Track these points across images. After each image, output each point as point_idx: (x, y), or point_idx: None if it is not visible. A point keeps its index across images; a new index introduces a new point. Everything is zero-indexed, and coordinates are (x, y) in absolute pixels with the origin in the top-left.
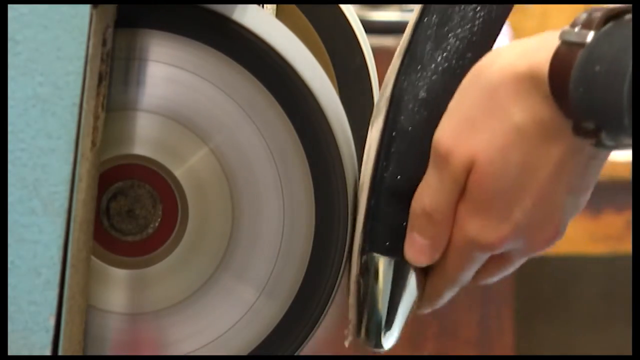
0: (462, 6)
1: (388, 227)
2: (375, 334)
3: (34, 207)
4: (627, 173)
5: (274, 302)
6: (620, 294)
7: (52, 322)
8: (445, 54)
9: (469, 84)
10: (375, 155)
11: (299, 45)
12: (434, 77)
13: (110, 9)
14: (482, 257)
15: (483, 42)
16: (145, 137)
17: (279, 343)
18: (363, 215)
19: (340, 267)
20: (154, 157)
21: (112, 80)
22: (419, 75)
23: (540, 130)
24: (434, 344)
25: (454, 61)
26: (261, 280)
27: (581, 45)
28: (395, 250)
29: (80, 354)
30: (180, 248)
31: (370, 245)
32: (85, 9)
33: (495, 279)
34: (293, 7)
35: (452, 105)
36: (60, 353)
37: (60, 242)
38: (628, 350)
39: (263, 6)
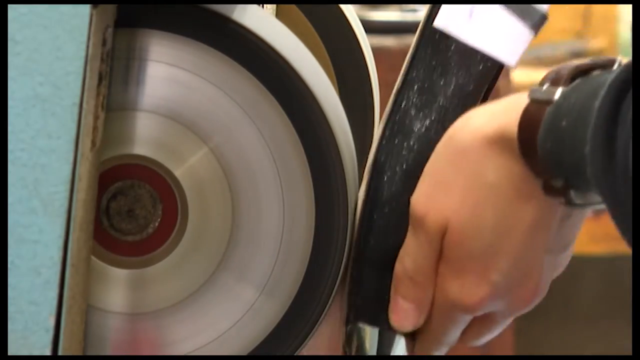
0: (443, 76)
1: (371, 298)
2: None
3: (34, 207)
4: None
5: (274, 302)
6: (620, 294)
7: (52, 322)
8: (428, 122)
9: (441, 148)
10: (358, 227)
11: (299, 45)
12: (415, 146)
13: (110, 9)
14: (465, 318)
15: (461, 110)
16: (145, 137)
17: (279, 343)
18: (347, 287)
19: (340, 267)
20: (154, 157)
21: (112, 80)
22: (402, 143)
23: (512, 189)
24: None
25: (433, 130)
26: (261, 280)
27: (549, 102)
28: (379, 320)
29: (80, 354)
30: (180, 248)
31: (355, 315)
32: (85, 9)
33: (482, 340)
34: (293, 7)
35: (427, 169)
36: (60, 353)
37: (60, 242)
38: (628, 350)
39: (263, 6)
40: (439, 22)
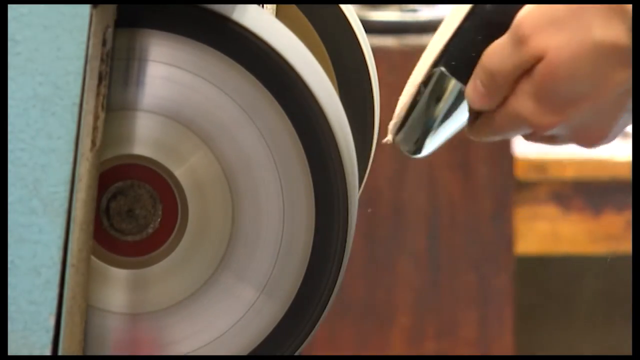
0: None
1: (467, 53)
2: (418, 141)
3: (34, 207)
4: (627, 173)
5: (274, 302)
6: (620, 294)
7: (52, 322)
8: None
9: None
10: None
11: (299, 45)
12: None
13: (110, 9)
14: (526, 130)
15: None
16: (145, 137)
17: (279, 343)
18: (452, 32)
19: (341, 267)
20: (154, 157)
21: (112, 80)
22: None
23: (615, 54)
24: (434, 344)
25: None
26: (261, 280)
27: None
28: (462, 76)
29: (80, 354)
30: (180, 248)
31: (445, 61)
32: (85, 9)
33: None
34: (293, 7)
35: None
36: (60, 353)
37: (60, 242)
38: (628, 350)
39: (263, 6)
40: None
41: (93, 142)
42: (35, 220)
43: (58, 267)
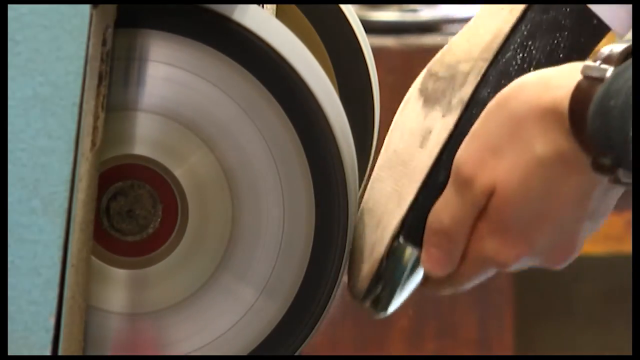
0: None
1: (421, 220)
2: (384, 304)
3: (34, 207)
4: None
5: (274, 302)
6: (620, 294)
7: (52, 322)
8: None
9: (494, 111)
10: (437, 152)
11: (299, 46)
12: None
13: (110, 9)
14: (493, 271)
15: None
16: (145, 137)
17: (279, 343)
18: (408, 206)
19: (341, 267)
20: (154, 157)
21: (112, 80)
22: (502, 81)
23: (561, 163)
24: (434, 344)
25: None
26: (261, 280)
27: (601, 80)
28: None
29: (80, 354)
30: (180, 248)
31: (406, 234)
32: (85, 9)
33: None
34: (293, 7)
35: (476, 129)
36: (60, 353)
37: (60, 242)
38: (628, 350)
39: (263, 6)
40: None
41: (93, 142)
42: (35, 220)
43: (58, 267)
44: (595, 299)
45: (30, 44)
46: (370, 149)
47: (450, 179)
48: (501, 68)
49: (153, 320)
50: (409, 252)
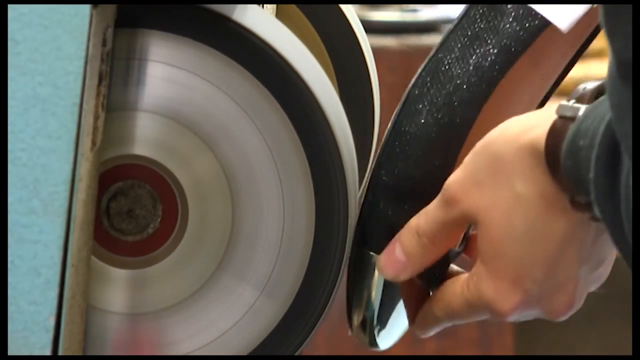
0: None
1: (382, 226)
2: (368, 330)
3: (34, 207)
4: None
5: (274, 302)
6: (620, 293)
7: (52, 322)
8: (462, 72)
9: (479, 151)
10: (379, 152)
11: (299, 45)
12: (450, 89)
13: (110, 9)
14: (484, 316)
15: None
16: (145, 137)
17: (279, 343)
18: (360, 207)
19: (341, 267)
20: (154, 157)
21: (112, 80)
22: (437, 86)
23: (541, 201)
24: (434, 344)
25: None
26: (261, 280)
27: (573, 119)
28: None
29: (80, 354)
30: (180, 248)
31: (363, 241)
32: (85, 9)
33: None
34: (293, 7)
35: (465, 161)
36: (60, 353)
37: (60, 242)
38: (628, 350)
39: (263, 6)
40: None
41: (93, 142)
42: (35, 220)
43: (58, 267)
44: (595, 299)
45: (30, 44)
46: (370, 149)
47: (440, 192)
48: (432, 66)
49: (153, 320)
50: (374, 259)
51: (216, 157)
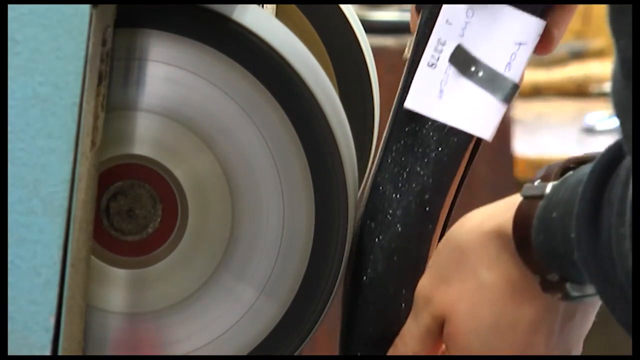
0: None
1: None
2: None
3: (34, 207)
4: None
5: (274, 302)
6: None
7: (52, 322)
8: (405, 202)
9: (442, 245)
10: (343, 305)
11: (299, 45)
12: (395, 225)
13: (110, 9)
14: None
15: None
16: (145, 137)
17: (279, 343)
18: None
19: (340, 267)
20: (154, 157)
21: (112, 80)
22: (380, 222)
23: (508, 288)
24: None
25: (413, 205)
26: (261, 280)
27: (540, 197)
28: None
29: (80, 354)
30: (180, 248)
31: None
32: (85, 9)
33: None
34: (293, 7)
35: (430, 262)
36: (60, 353)
37: (60, 242)
38: (628, 350)
39: (263, 6)
40: (409, 104)
41: (93, 142)
42: (35, 220)
43: (58, 267)
44: None
45: (30, 44)
46: (370, 149)
47: (412, 309)
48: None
49: (153, 320)
50: None
51: (216, 157)
